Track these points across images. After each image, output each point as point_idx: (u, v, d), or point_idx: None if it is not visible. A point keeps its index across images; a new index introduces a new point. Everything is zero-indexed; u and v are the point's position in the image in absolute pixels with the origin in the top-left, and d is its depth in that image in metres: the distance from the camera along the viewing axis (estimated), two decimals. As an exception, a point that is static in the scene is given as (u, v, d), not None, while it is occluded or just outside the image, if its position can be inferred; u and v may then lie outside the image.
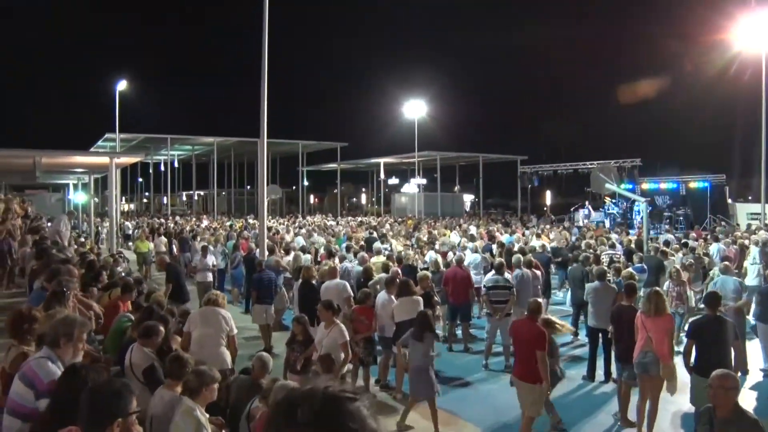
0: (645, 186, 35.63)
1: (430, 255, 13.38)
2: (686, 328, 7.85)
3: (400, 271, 10.56)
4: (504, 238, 18.40)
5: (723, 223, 29.02)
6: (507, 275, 10.44)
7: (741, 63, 26.08)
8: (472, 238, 18.24)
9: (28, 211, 20.86)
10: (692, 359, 6.49)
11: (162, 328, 5.77)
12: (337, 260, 12.26)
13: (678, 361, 6.82)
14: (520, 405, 6.69)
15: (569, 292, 12.11)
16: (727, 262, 11.07)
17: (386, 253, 13.89)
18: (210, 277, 13.56)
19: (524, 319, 7.00)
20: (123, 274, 10.77)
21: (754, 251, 13.53)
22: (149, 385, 5.33)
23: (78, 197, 30.96)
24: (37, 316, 4.84)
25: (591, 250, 13.72)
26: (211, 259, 13.85)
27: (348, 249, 14.37)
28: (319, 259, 14.27)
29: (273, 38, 13.46)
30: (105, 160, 18.51)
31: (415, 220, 30.92)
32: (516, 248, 14.03)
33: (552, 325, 7.05)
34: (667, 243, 15.02)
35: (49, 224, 25.60)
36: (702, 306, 8.70)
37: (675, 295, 10.34)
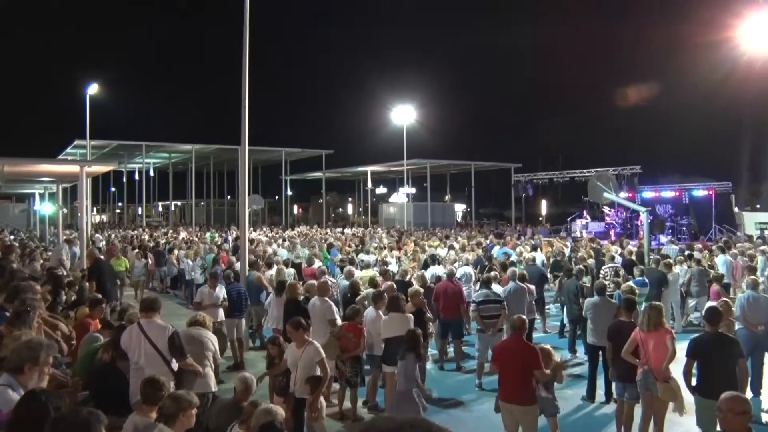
0: (646, 194, 35.85)
1: (433, 270, 13.33)
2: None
3: (394, 285, 10.51)
4: (496, 250, 18.42)
5: (737, 233, 29.13)
6: (498, 288, 10.49)
7: (747, 64, 26.11)
8: (459, 249, 18.29)
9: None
10: (694, 379, 6.49)
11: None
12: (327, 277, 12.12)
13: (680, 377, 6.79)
14: None
15: (564, 307, 12.14)
16: (753, 277, 10.34)
17: (376, 268, 13.79)
18: (221, 315, 10.75)
19: (511, 339, 6.92)
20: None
21: (761, 262, 13.60)
22: (174, 356, 6.14)
23: (44, 208, 30.58)
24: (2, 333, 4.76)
25: (584, 263, 13.80)
26: (222, 292, 10.97)
27: (342, 261, 14.38)
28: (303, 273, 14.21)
29: (256, 41, 13.43)
30: (75, 168, 18.35)
31: (398, 233, 30.74)
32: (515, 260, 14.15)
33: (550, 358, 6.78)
34: (665, 255, 15.14)
35: (11, 236, 25.27)
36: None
37: None
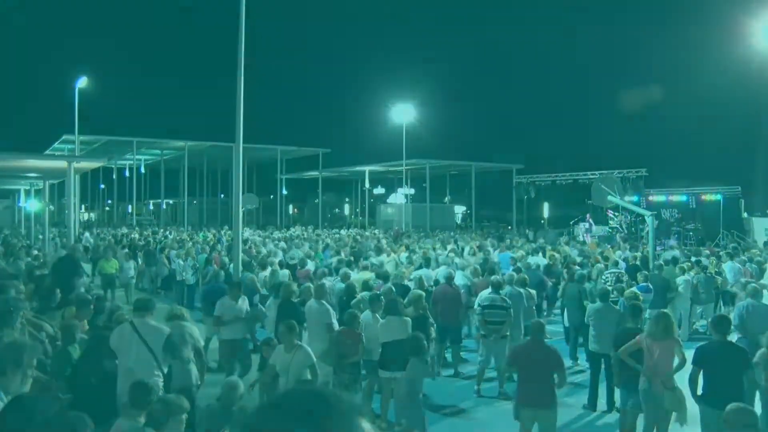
0: (652, 198, 35.77)
1: (423, 272, 13.29)
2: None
3: (392, 288, 10.48)
4: (496, 254, 18.40)
5: (747, 239, 29.11)
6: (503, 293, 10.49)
7: (761, 65, 26.17)
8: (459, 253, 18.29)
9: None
10: (700, 388, 6.50)
11: None
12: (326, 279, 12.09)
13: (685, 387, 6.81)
14: None
15: (565, 313, 12.09)
16: (754, 284, 10.20)
17: (376, 268, 13.69)
18: (241, 332, 9.61)
19: (531, 342, 7.12)
20: (82, 290, 10.57)
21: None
22: (173, 356, 6.35)
23: (30, 205, 30.53)
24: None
25: (588, 268, 13.80)
26: (245, 304, 9.66)
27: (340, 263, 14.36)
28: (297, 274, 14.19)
29: (254, 36, 13.42)
30: (62, 164, 18.28)
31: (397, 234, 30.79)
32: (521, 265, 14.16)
33: None
34: (675, 260, 15.11)
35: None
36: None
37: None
